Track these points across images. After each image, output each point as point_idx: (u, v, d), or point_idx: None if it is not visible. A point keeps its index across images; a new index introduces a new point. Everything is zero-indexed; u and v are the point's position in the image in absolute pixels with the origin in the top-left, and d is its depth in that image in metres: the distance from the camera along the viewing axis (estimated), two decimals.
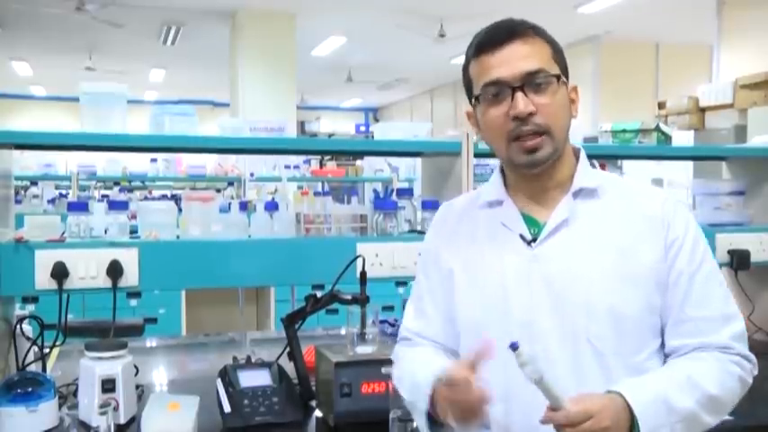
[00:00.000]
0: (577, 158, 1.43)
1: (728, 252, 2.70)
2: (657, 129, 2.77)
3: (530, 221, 1.39)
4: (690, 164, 4.55)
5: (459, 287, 1.43)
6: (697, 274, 1.34)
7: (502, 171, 1.47)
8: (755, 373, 1.37)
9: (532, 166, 1.34)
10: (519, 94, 1.29)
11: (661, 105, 7.27)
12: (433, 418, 1.33)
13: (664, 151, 2.89)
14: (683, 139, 5.71)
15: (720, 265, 2.84)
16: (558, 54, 1.36)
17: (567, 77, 1.36)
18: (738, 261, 2.69)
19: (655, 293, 1.33)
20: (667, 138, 2.80)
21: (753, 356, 1.36)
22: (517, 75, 1.29)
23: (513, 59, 1.30)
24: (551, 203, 1.38)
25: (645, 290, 1.32)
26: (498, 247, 1.39)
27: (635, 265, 1.32)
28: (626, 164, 4.38)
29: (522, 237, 1.37)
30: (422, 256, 1.56)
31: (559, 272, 1.33)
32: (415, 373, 1.41)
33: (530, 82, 1.30)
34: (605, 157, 3.90)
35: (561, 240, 1.35)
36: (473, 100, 1.39)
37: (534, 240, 1.36)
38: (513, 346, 1.16)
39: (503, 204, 1.42)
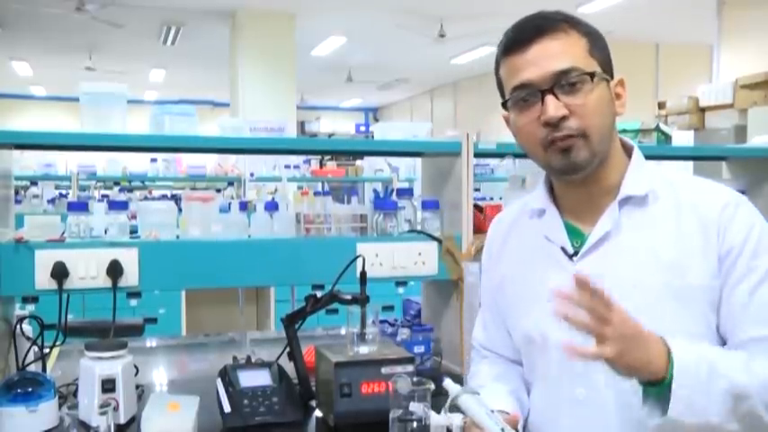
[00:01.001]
0: (630, 157, 1.31)
1: None
2: (657, 129, 2.77)
3: (573, 233, 1.30)
4: (690, 164, 4.55)
5: (508, 303, 1.41)
6: (761, 286, 1.18)
7: (547, 177, 1.37)
8: None
9: (572, 171, 1.24)
10: (549, 98, 1.19)
11: (661, 105, 7.27)
12: None
13: (664, 151, 2.89)
14: (682, 138, 5.70)
15: None
16: (596, 47, 1.25)
17: (609, 71, 1.26)
18: None
19: (709, 312, 1.20)
20: (667, 138, 2.80)
21: None
22: (546, 76, 1.19)
23: (542, 59, 1.20)
24: (597, 212, 1.27)
25: (697, 310, 1.20)
26: (542, 262, 1.32)
27: (685, 283, 1.20)
28: None
29: (563, 250, 1.29)
30: (482, 271, 1.54)
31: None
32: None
33: (560, 83, 1.19)
34: None
35: (605, 254, 1.25)
36: (503, 104, 1.30)
37: (577, 254, 1.28)
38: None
39: (545, 214, 1.34)
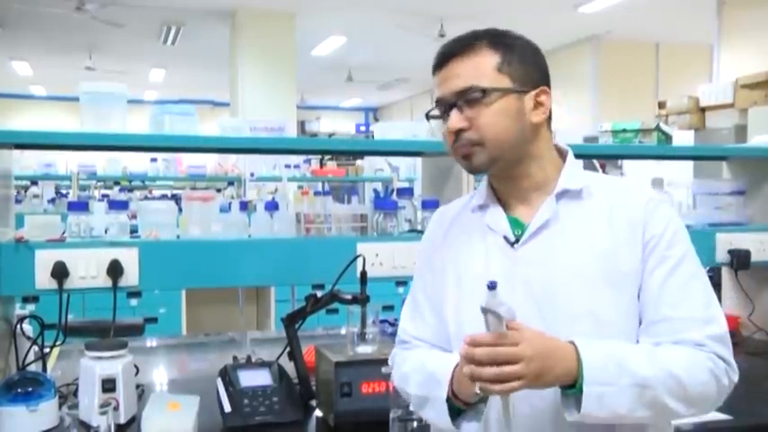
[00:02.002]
0: (564, 159, 1.45)
1: (729, 252, 2.70)
2: (658, 128, 2.77)
3: (515, 223, 1.41)
4: (690, 163, 4.55)
5: (448, 288, 1.45)
6: (674, 273, 1.32)
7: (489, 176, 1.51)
8: (734, 378, 1.30)
9: (473, 172, 1.43)
10: (452, 112, 1.36)
11: (661, 105, 7.25)
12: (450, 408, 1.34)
13: (664, 151, 2.89)
14: (683, 138, 5.70)
15: (720, 265, 2.85)
16: (510, 63, 1.37)
17: (529, 83, 1.37)
18: (738, 261, 2.69)
19: (636, 298, 1.33)
20: (668, 137, 2.80)
21: (732, 361, 1.31)
22: (451, 93, 1.37)
23: (449, 78, 1.37)
24: (536, 205, 1.40)
25: (628, 294, 1.33)
26: (484, 249, 1.42)
27: (617, 269, 1.32)
28: (626, 164, 4.38)
29: (505, 238, 1.39)
30: (417, 261, 1.58)
31: (541, 274, 1.34)
32: (424, 366, 1.42)
33: (462, 99, 1.35)
34: (606, 157, 3.89)
35: (544, 242, 1.36)
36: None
37: (518, 241, 1.38)
38: (492, 286, 1.18)
39: (489, 207, 1.45)
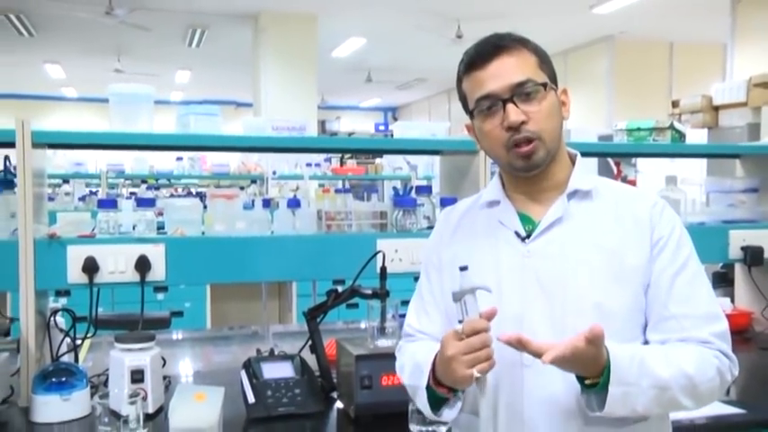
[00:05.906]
0: (573, 162, 1.48)
1: (742, 248, 2.72)
2: (671, 127, 2.78)
3: (526, 220, 1.44)
4: (704, 162, 4.55)
5: (457, 280, 1.47)
6: (681, 273, 1.37)
7: (500, 175, 1.53)
8: (735, 373, 1.36)
9: (530, 170, 1.40)
10: (510, 106, 1.35)
11: (675, 104, 7.18)
12: (431, 399, 1.38)
13: (678, 149, 2.91)
14: (696, 137, 5.68)
15: (734, 262, 2.87)
16: (544, 62, 1.42)
17: (555, 83, 1.42)
18: (752, 257, 2.71)
19: (641, 294, 1.37)
20: (681, 136, 2.81)
21: (734, 356, 1.36)
22: (506, 87, 1.36)
23: (502, 72, 1.37)
24: (547, 203, 1.43)
25: (632, 289, 1.36)
26: (494, 243, 1.44)
27: (624, 265, 1.37)
28: (640, 162, 4.37)
29: (516, 233, 1.42)
30: (424, 257, 1.61)
31: (551, 267, 1.37)
32: (414, 357, 1.46)
33: (519, 92, 1.36)
34: (620, 155, 3.88)
35: (554, 237, 1.40)
36: (469, 114, 1.46)
37: (529, 237, 1.41)
38: (462, 268, 1.29)
39: (500, 204, 1.48)
